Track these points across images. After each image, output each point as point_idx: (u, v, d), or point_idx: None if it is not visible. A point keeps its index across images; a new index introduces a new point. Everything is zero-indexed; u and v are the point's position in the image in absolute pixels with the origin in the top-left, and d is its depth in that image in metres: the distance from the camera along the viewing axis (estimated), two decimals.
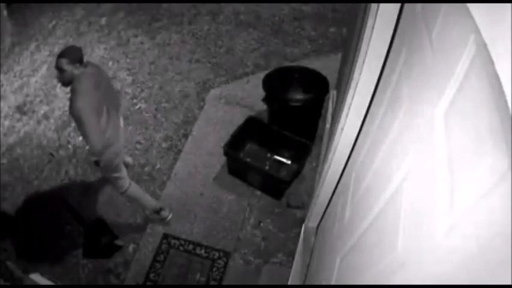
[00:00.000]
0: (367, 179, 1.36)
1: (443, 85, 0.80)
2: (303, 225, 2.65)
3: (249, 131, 3.26)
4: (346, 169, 1.93)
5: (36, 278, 2.72)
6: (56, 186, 3.37)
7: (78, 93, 2.13)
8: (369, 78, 1.60)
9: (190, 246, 2.91)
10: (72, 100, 2.13)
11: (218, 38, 4.65)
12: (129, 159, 3.29)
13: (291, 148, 3.23)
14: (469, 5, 0.71)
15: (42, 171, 3.49)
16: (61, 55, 2.19)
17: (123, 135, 2.59)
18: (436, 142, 0.77)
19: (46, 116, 3.95)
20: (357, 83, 1.63)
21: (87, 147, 2.63)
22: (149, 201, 2.79)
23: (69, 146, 3.67)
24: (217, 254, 2.86)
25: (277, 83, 3.10)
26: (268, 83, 3.13)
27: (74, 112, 2.11)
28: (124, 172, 2.57)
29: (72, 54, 2.18)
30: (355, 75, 1.62)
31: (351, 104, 1.72)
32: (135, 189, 2.68)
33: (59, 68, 2.18)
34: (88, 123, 2.12)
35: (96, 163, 2.54)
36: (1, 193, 3.35)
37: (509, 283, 0.42)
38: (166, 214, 2.91)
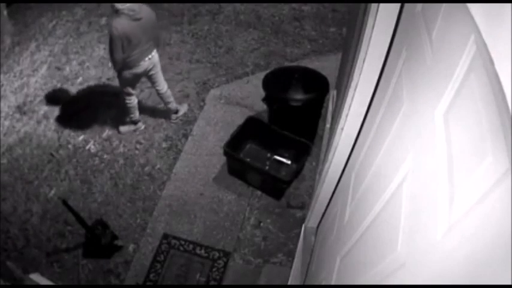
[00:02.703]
0: (367, 179, 1.36)
1: (443, 85, 0.80)
2: (303, 225, 2.65)
3: (249, 131, 3.26)
4: (346, 169, 1.93)
5: (36, 278, 2.72)
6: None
7: (115, 19, 2.86)
8: (369, 78, 1.60)
9: (190, 246, 2.91)
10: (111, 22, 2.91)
11: (218, 38, 4.65)
12: (181, 107, 3.81)
13: (291, 148, 3.23)
14: (469, 5, 0.71)
15: (42, 171, 3.49)
16: None
17: (149, 66, 3.22)
18: (436, 142, 0.77)
19: (46, 116, 3.94)
20: (357, 83, 1.63)
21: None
22: (137, 115, 3.62)
23: (69, 146, 3.67)
24: (217, 254, 2.86)
25: (277, 83, 3.09)
26: (268, 83, 3.13)
27: (109, 29, 2.91)
28: (134, 92, 3.42)
29: None
30: (355, 75, 1.62)
31: (351, 104, 1.72)
32: (134, 104, 3.50)
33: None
34: (114, 42, 2.87)
35: (118, 75, 3.25)
36: (1, 193, 3.35)
37: (509, 283, 0.42)
38: (140, 126, 3.72)
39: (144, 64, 3.15)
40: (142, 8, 2.90)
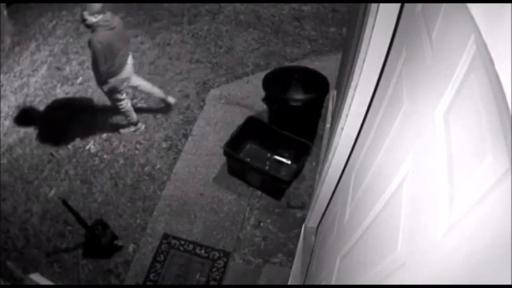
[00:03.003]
0: (367, 179, 1.36)
1: (443, 85, 0.80)
2: (303, 225, 2.65)
3: (249, 131, 3.26)
4: (346, 169, 1.93)
5: (36, 278, 2.72)
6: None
7: (95, 34, 2.87)
8: (369, 78, 1.60)
9: (190, 246, 2.91)
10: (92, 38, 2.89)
11: (218, 38, 4.65)
12: (171, 99, 3.83)
13: (291, 148, 3.23)
14: (469, 5, 0.71)
15: (42, 171, 3.49)
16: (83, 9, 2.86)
17: (131, 69, 3.28)
18: (436, 142, 0.77)
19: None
20: (357, 83, 1.63)
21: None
22: (134, 116, 3.61)
23: (69, 146, 3.66)
24: (217, 254, 2.86)
25: (277, 83, 3.09)
26: (268, 83, 3.13)
27: (92, 45, 2.87)
28: (123, 96, 3.39)
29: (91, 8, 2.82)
30: (355, 75, 1.62)
31: (351, 104, 1.72)
32: (128, 107, 3.51)
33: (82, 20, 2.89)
34: (99, 56, 2.89)
35: (103, 86, 3.23)
36: (1, 193, 3.35)
37: (509, 283, 0.42)
38: (140, 126, 3.73)
39: (127, 68, 3.20)
40: (113, 16, 2.96)
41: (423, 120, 0.89)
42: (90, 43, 2.90)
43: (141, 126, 3.72)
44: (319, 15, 4.86)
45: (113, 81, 3.16)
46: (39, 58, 4.55)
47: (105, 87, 3.21)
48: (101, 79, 3.12)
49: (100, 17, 2.82)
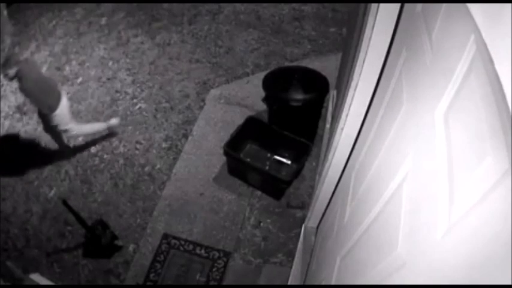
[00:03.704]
0: (367, 179, 1.36)
1: (443, 85, 0.80)
2: (303, 225, 2.65)
3: (249, 131, 3.26)
4: (346, 169, 1.93)
5: (36, 278, 2.72)
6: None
7: (24, 79, 2.95)
8: (369, 78, 1.60)
9: (190, 246, 2.91)
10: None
11: (218, 38, 4.65)
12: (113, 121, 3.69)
13: (291, 148, 3.23)
14: (469, 5, 0.71)
15: (42, 171, 3.49)
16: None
17: (65, 103, 3.24)
18: (436, 142, 0.77)
19: None
20: (357, 83, 1.63)
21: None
22: (100, 126, 3.61)
23: (70, 146, 3.66)
24: (217, 254, 2.86)
25: (277, 83, 3.09)
26: (268, 83, 3.13)
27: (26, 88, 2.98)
28: (73, 125, 3.37)
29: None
30: (355, 75, 1.62)
31: (351, 104, 1.72)
32: (85, 129, 3.56)
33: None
34: (33, 93, 3.04)
35: (62, 130, 3.30)
36: (1, 193, 3.35)
37: (509, 283, 0.42)
38: (114, 122, 3.64)
39: (64, 98, 3.22)
40: (26, 62, 3.12)
41: (423, 120, 0.89)
42: (23, 89, 3.00)
43: (115, 121, 3.63)
44: (319, 15, 4.86)
45: (58, 114, 3.15)
46: (39, 58, 4.55)
47: (55, 122, 3.19)
48: (51, 110, 3.11)
49: (16, 67, 2.92)
